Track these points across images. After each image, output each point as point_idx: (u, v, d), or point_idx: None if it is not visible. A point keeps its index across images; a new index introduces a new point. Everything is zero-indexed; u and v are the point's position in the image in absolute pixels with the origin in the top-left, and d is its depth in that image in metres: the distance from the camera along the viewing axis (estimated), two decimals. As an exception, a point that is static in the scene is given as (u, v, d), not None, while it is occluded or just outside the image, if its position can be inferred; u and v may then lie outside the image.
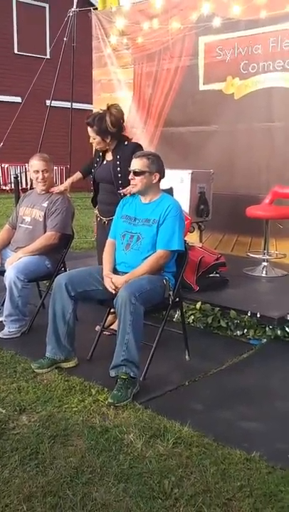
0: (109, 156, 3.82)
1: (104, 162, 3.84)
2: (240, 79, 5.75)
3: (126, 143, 3.78)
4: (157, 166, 3.25)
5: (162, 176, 3.31)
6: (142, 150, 3.62)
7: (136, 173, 3.24)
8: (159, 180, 3.30)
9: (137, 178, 3.24)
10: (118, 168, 3.70)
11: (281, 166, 5.57)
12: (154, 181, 3.26)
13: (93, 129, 3.66)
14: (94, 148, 3.97)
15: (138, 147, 3.73)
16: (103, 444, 2.47)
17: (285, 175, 5.48)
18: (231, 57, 5.78)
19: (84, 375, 3.17)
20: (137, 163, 3.24)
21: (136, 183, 3.26)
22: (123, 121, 3.74)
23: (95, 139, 3.72)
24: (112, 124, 3.63)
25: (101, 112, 3.69)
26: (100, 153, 3.89)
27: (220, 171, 5.69)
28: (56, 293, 3.21)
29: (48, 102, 8.66)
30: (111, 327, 3.73)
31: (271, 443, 2.54)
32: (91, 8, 7.32)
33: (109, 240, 3.46)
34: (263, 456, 2.39)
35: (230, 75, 5.81)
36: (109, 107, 3.68)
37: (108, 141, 3.71)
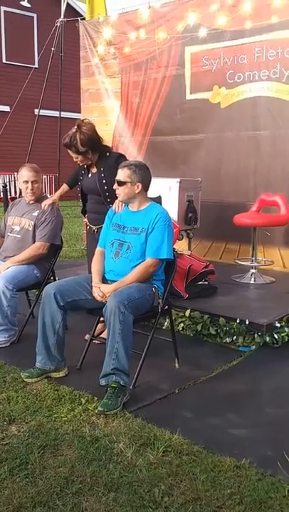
0: (93, 169, 3.86)
1: (90, 175, 3.87)
2: (226, 88, 5.82)
3: (108, 154, 3.81)
4: (139, 176, 3.24)
5: (146, 185, 3.29)
6: (125, 160, 3.64)
7: (119, 183, 3.27)
8: (144, 189, 3.29)
9: (120, 188, 3.27)
10: (104, 181, 3.74)
11: (267, 174, 5.64)
12: (137, 191, 3.26)
13: (72, 150, 3.69)
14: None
15: (120, 157, 3.76)
16: (93, 454, 2.46)
17: (271, 183, 5.55)
18: (217, 67, 5.86)
19: (74, 385, 3.17)
20: (119, 174, 3.27)
21: (119, 192, 3.29)
22: (96, 134, 3.73)
23: (77, 158, 3.75)
24: (82, 144, 3.61)
25: (74, 128, 3.66)
26: (84, 166, 3.91)
27: (207, 179, 5.74)
28: (45, 303, 3.21)
29: (36, 111, 8.69)
30: (101, 336, 3.74)
31: (261, 450, 2.55)
32: (79, 18, 7.37)
33: (98, 249, 3.47)
34: (252, 463, 2.40)
35: (217, 85, 5.88)
36: (79, 125, 3.64)
37: (90, 156, 3.75)
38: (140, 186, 3.25)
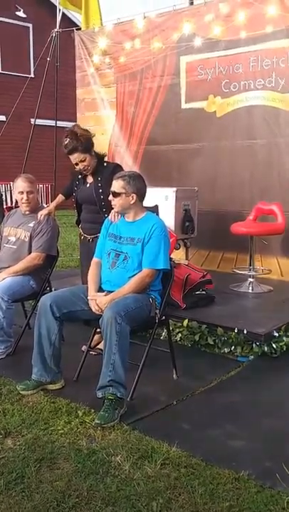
0: (90, 179, 3.84)
1: (87, 185, 3.86)
2: (221, 97, 5.84)
3: (105, 164, 3.81)
4: (134, 186, 3.23)
5: (141, 195, 3.27)
6: (121, 170, 3.63)
7: (114, 195, 3.27)
8: (139, 200, 3.28)
9: (115, 199, 3.26)
10: (100, 190, 3.73)
11: (264, 183, 5.64)
12: (132, 202, 3.24)
13: (79, 150, 3.64)
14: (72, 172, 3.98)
15: (117, 167, 3.76)
16: (90, 467, 2.43)
17: (267, 191, 5.56)
18: (212, 76, 5.88)
19: (70, 397, 3.14)
20: (114, 185, 3.27)
21: (115, 203, 3.29)
22: (89, 135, 3.73)
23: (84, 161, 3.69)
24: (83, 137, 3.63)
25: (68, 132, 3.67)
26: (79, 176, 3.90)
27: (204, 188, 5.74)
28: (41, 314, 3.18)
29: (32, 121, 8.71)
30: (98, 347, 3.71)
31: (260, 462, 2.52)
32: (74, 28, 7.40)
33: (94, 260, 3.45)
34: (251, 475, 2.37)
35: (212, 94, 5.90)
36: (71, 129, 3.68)
37: (93, 154, 3.73)
38: (135, 197, 3.24)
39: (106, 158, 3.95)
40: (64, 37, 7.37)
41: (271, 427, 2.89)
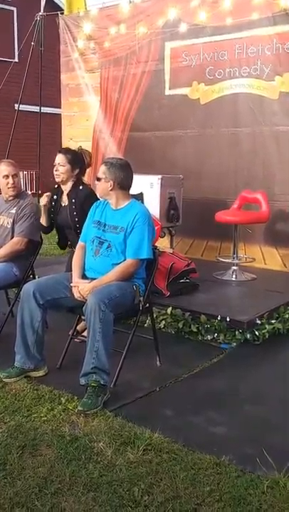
0: (64, 201, 3.86)
1: (62, 206, 3.87)
2: (205, 84, 5.82)
3: (80, 187, 3.82)
4: (112, 173, 3.22)
5: (120, 183, 3.23)
6: (95, 198, 3.61)
7: (97, 179, 3.29)
8: (119, 188, 3.25)
9: (98, 183, 3.28)
10: (74, 213, 3.76)
11: (248, 171, 5.66)
12: (109, 188, 3.23)
13: (66, 157, 3.76)
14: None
15: (91, 196, 3.69)
16: (72, 453, 2.45)
17: (252, 179, 5.57)
18: (197, 63, 5.85)
19: (54, 384, 3.14)
20: (100, 169, 3.28)
21: (97, 188, 3.31)
22: (86, 166, 3.92)
23: (63, 166, 3.76)
24: (85, 156, 3.90)
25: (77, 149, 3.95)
26: (55, 196, 3.90)
27: (189, 176, 5.74)
28: (24, 301, 3.17)
29: (16, 106, 8.58)
30: (82, 334, 3.71)
31: (240, 447, 2.56)
32: (58, 12, 7.28)
33: (79, 244, 3.44)
34: (232, 461, 2.40)
35: (196, 81, 5.88)
36: (81, 149, 3.96)
37: (75, 173, 3.79)
38: (112, 184, 3.22)
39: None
40: (50, 21, 7.25)
41: (252, 414, 2.93)
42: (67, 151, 3.84)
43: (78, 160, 3.82)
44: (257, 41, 5.38)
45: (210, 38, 5.69)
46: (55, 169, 3.80)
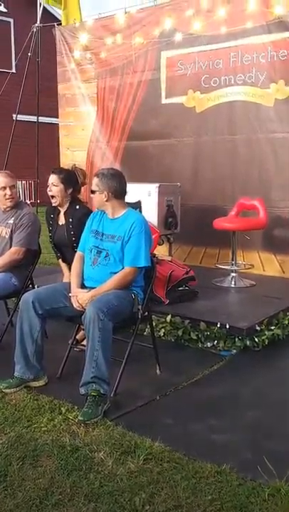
0: (61, 220, 3.90)
1: (60, 225, 3.91)
2: (201, 93, 5.86)
3: (77, 207, 3.84)
4: (105, 184, 3.23)
5: (114, 192, 3.24)
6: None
7: (91, 192, 3.31)
8: (115, 197, 3.26)
9: (92, 195, 3.30)
10: (72, 232, 3.79)
11: (245, 178, 5.68)
12: (105, 199, 3.25)
13: (59, 177, 3.80)
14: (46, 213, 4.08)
15: (88, 214, 3.66)
16: (73, 464, 2.44)
17: (249, 186, 5.60)
18: (192, 72, 5.89)
19: (54, 394, 3.13)
20: (92, 182, 3.30)
21: (93, 200, 3.33)
22: (80, 185, 3.90)
23: (57, 186, 3.80)
24: (84, 176, 3.89)
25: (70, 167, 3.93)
26: (52, 215, 3.96)
27: (186, 184, 5.77)
28: (23, 311, 3.17)
29: (14, 116, 8.64)
30: (82, 343, 3.71)
31: (241, 455, 2.55)
32: (55, 23, 7.35)
33: (78, 253, 3.45)
34: (233, 469, 2.40)
35: (191, 89, 5.91)
36: (79, 168, 3.92)
37: (68, 192, 3.82)
38: (107, 195, 3.23)
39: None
40: (47, 32, 7.31)
41: (253, 420, 2.93)
42: (60, 171, 3.86)
43: (71, 180, 3.83)
44: (252, 49, 5.43)
45: (205, 46, 5.74)
46: (48, 189, 3.85)
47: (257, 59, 5.41)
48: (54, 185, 3.82)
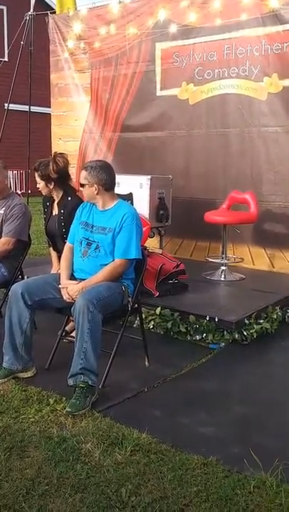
0: (55, 210, 3.89)
1: (53, 214, 3.91)
2: (194, 85, 5.83)
3: (69, 198, 3.81)
4: (95, 177, 3.21)
5: (104, 185, 3.22)
6: None
7: (80, 185, 3.29)
8: (104, 189, 3.24)
9: (82, 189, 3.29)
10: (62, 223, 3.78)
11: (236, 171, 5.69)
12: (95, 192, 3.23)
13: (38, 174, 3.79)
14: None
15: (78, 205, 3.60)
16: (60, 455, 2.44)
17: (240, 180, 5.60)
18: (187, 64, 5.86)
19: (42, 385, 3.13)
20: (81, 175, 3.28)
21: (83, 194, 3.31)
22: (67, 170, 3.81)
23: (40, 184, 3.83)
24: (54, 171, 3.70)
25: (51, 157, 3.79)
26: (47, 203, 3.95)
27: (178, 176, 5.76)
28: (12, 302, 3.16)
29: (5, 105, 8.55)
30: (71, 335, 3.71)
31: (228, 447, 2.57)
32: (48, 12, 7.26)
33: (67, 245, 3.44)
34: (219, 461, 2.42)
35: (185, 81, 5.89)
36: (55, 155, 3.76)
37: (51, 187, 3.80)
38: (97, 187, 3.22)
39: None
40: (40, 21, 7.23)
41: (240, 414, 2.95)
42: (38, 168, 3.79)
43: (45, 172, 3.75)
44: (246, 42, 5.41)
45: (200, 38, 5.70)
46: (40, 188, 3.88)
47: (251, 52, 5.39)
48: (37, 182, 3.84)
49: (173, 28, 5.82)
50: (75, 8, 7.06)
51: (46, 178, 3.77)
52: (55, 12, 7.28)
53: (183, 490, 2.22)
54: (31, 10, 7.68)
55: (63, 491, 2.20)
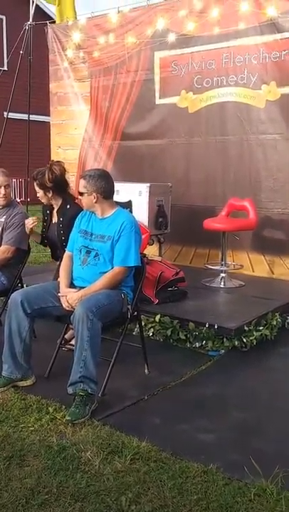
0: (54, 218, 3.91)
1: (53, 223, 3.91)
2: (193, 93, 5.86)
3: (68, 206, 3.82)
4: (93, 185, 3.22)
5: (103, 193, 3.23)
6: None
7: (79, 193, 3.30)
8: (103, 198, 3.25)
9: (81, 197, 3.30)
10: (61, 231, 3.79)
11: (235, 179, 5.71)
12: (94, 201, 3.24)
13: (36, 183, 3.80)
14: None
15: (78, 214, 3.60)
16: (60, 463, 2.44)
17: (239, 187, 5.62)
18: (185, 72, 5.89)
19: (41, 393, 3.13)
20: (79, 184, 3.29)
21: (82, 202, 3.32)
22: (64, 178, 3.81)
23: (39, 193, 3.84)
24: (49, 180, 3.71)
25: (47, 166, 3.79)
26: (47, 211, 3.95)
27: (177, 184, 5.77)
28: (12, 310, 3.16)
29: (5, 114, 8.60)
30: (70, 343, 3.71)
31: (228, 455, 2.56)
32: (47, 21, 7.32)
33: (66, 253, 3.45)
34: (219, 468, 2.41)
35: (184, 89, 5.92)
36: (51, 164, 3.78)
37: (50, 195, 3.80)
38: (96, 196, 3.23)
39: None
40: (40, 30, 7.28)
41: (240, 421, 2.94)
42: (36, 177, 3.79)
43: (53, 179, 3.74)
44: (244, 50, 5.45)
45: (198, 47, 5.74)
46: (39, 197, 3.88)
47: (249, 60, 5.43)
48: (37, 191, 3.85)
49: (171, 37, 5.86)
50: (75, 18, 7.12)
51: (44, 187, 3.78)
52: (54, 22, 7.33)
53: (183, 498, 2.22)
54: (30, 20, 7.75)
55: (63, 500, 2.19)
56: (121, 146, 6.53)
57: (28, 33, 7.65)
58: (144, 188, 5.41)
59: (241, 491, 2.26)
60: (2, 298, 4.08)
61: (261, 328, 4.05)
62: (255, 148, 5.52)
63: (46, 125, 7.83)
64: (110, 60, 6.47)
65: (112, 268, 3.19)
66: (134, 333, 3.95)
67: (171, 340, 4.08)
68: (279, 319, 4.25)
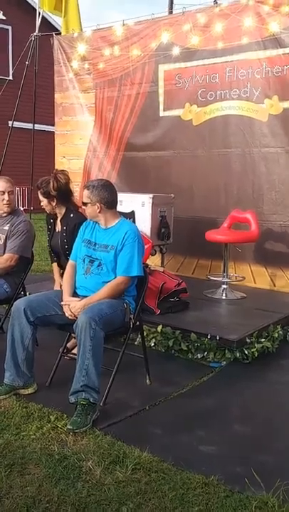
0: (58, 226, 3.95)
1: (56, 231, 3.97)
2: (198, 106, 5.92)
3: (72, 215, 3.86)
4: (97, 196, 3.25)
5: (106, 203, 3.26)
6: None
7: (83, 204, 3.34)
8: (107, 208, 3.28)
9: (85, 207, 3.33)
10: (65, 240, 3.83)
11: (238, 191, 5.74)
12: (98, 211, 3.27)
13: (40, 192, 3.86)
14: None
15: (81, 222, 3.62)
16: (61, 472, 2.44)
17: (241, 199, 5.65)
18: (190, 85, 5.95)
19: (43, 402, 3.13)
20: (83, 194, 3.32)
21: (86, 212, 3.36)
22: (68, 187, 3.87)
23: (43, 201, 3.90)
24: (54, 188, 3.77)
25: (52, 175, 3.85)
26: (51, 220, 4.01)
27: (180, 196, 5.80)
28: (15, 318, 3.18)
29: (10, 123, 8.67)
30: (73, 351, 3.71)
31: (229, 466, 2.56)
32: (53, 33, 7.40)
33: (70, 262, 3.47)
34: (221, 480, 2.41)
35: (189, 102, 5.97)
36: (56, 173, 3.83)
37: (54, 204, 3.86)
38: (100, 206, 3.26)
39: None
40: (45, 41, 7.37)
41: (241, 432, 2.94)
42: (40, 186, 3.86)
43: (58, 188, 3.79)
44: (247, 65, 5.50)
45: (202, 61, 5.80)
46: (43, 206, 3.93)
47: (252, 74, 5.48)
48: (40, 200, 3.90)
49: (176, 51, 5.93)
50: (81, 29, 7.20)
51: (48, 196, 3.81)
52: (60, 33, 7.41)
53: (184, 509, 2.21)
54: (36, 30, 7.85)
55: (64, 509, 2.19)
56: (125, 157, 6.58)
57: (34, 44, 7.74)
58: (147, 198, 5.44)
59: (242, 503, 2.26)
60: (5, 306, 4.09)
61: (263, 340, 4.05)
62: (258, 161, 5.56)
63: (51, 135, 7.89)
64: (115, 72, 6.54)
65: (115, 277, 3.21)
66: (135, 343, 3.94)
67: (173, 350, 4.08)
68: (280, 331, 4.25)
